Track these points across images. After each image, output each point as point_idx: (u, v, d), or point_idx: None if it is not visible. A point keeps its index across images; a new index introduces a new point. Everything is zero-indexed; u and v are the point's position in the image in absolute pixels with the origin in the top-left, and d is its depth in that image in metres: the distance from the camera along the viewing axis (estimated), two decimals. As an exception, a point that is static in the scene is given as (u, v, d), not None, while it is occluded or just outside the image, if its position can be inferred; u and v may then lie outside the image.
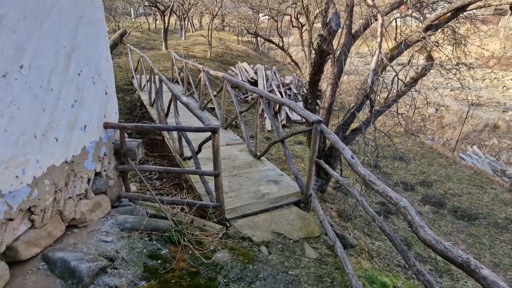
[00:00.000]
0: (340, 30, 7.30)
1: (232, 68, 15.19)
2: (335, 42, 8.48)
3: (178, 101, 4.07)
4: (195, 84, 7.77)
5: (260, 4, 18.51)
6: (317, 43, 4.77)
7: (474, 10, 5.45)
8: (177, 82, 9.61)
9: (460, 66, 6.81)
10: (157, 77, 5.47)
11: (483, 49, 6.91)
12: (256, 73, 14.28)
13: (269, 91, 13.49)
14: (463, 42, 6.85)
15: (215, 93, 6.39)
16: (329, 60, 6.12)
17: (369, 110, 5.71)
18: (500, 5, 4.70)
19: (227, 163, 4.40)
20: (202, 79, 6.88)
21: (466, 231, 6.32)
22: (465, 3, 4.88)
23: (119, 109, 3.25)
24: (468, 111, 10.69)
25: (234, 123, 7.72)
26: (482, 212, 6.95)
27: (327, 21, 4.50)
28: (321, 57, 4.86)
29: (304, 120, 6.21)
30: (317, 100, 12.94)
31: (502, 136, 11.85)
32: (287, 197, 3.60)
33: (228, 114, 7.87)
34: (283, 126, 11.40)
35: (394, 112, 5.97)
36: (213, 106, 7.05)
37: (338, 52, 6.52)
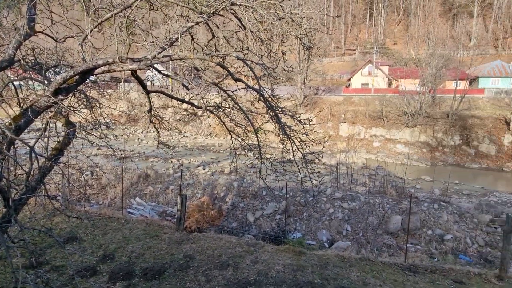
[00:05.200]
0: None
1: None
2: None
3: None
4: None
5: None
6: None
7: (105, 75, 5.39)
8: None
9: (98, 126, 6.98)
10: None
11: (114, 109, 7.95)
12: None
13: None
14: (98, 105, 7.18)
15: None
16: None
17: (4, 205, 3.98)
18: (123, 71, 4.88)
19: None
20: None
21: (161, 290, 6.15)
22: (90, 67, 4.61)
23: None
24: (123, 167, 11.10)
25: None
26: (166, 261, 7.17)
27: None
28: None
29: None
30: None
31: (154, 182, 13.57)
32: None
33: None
34: None
35: (44, 197, 4.58)
36: None
37: None
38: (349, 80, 53.64)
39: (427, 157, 32.80)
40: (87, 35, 4.99)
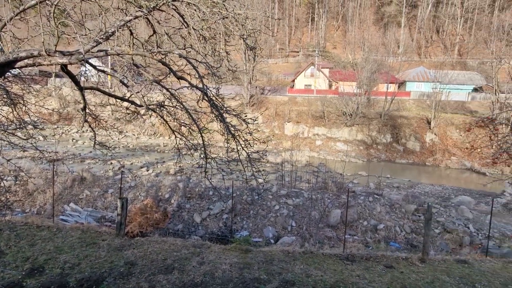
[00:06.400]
0: None
1: None
2: None
3: None
4: None
5: None
6: None
7: (30, 69, 4.84)
8: None
9: (23, 125, 6.35)
10: None
11: (42, 106, 7.54)
12: None
13: None
14: (22, 102, 6.57)
15: None
16: None
17: None
18: (51, 64, 4.45)
19: None
20: None
21: (100, 300, 5.74)
22: (10, 59, 4.11)
23: None
24: (53, 171, 10.10)
25: None
26: (105, 270, 6.71)
27: None
28: None
29: None
30: None
31: (91, 186, 12.57)
32: None
33: None
34: None
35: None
36: None
37: None
38: (293, 81, 55.64)
39: (364, 154, 35.51)
40: (6, 23, 4.44)
